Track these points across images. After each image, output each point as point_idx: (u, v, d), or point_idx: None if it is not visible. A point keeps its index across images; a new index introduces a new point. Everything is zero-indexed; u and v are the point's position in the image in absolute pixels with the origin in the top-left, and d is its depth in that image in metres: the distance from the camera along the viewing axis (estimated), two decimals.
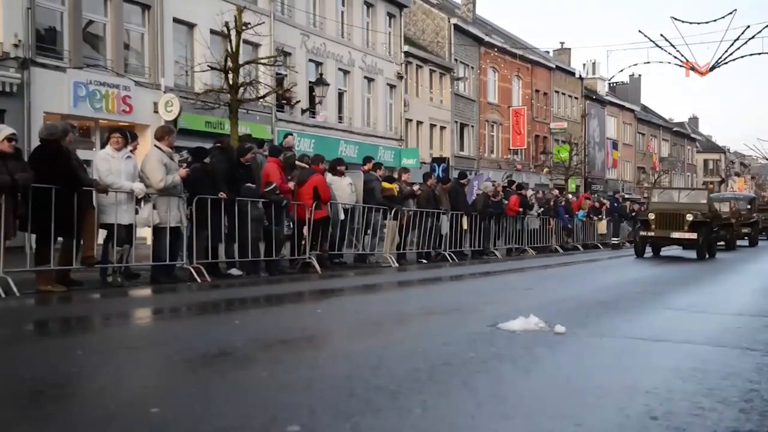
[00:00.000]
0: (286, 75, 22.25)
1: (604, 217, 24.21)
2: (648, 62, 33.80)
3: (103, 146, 9.20)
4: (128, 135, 8.84)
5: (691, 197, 18.09)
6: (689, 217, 15.87)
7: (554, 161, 38.78)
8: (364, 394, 3.17)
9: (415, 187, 14.08)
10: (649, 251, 17.79)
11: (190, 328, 5.49)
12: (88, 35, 17.36)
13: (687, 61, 23.18)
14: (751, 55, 24.32)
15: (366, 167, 13.46)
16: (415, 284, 9.86)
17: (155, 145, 8.92)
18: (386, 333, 5.19)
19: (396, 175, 14.65)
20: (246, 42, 17.40)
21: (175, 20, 19.12)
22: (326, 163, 12.37)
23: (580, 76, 46.90)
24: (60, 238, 7.70)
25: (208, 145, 10.71)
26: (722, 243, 21.87)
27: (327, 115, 24.85)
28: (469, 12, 38.02)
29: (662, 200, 18.24)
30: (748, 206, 26.04)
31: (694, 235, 15.70)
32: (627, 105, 54.38)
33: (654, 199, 18.80)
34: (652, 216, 16.58)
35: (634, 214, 26.84)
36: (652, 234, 16.45)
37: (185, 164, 9.46)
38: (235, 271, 9.75)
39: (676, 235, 16.11)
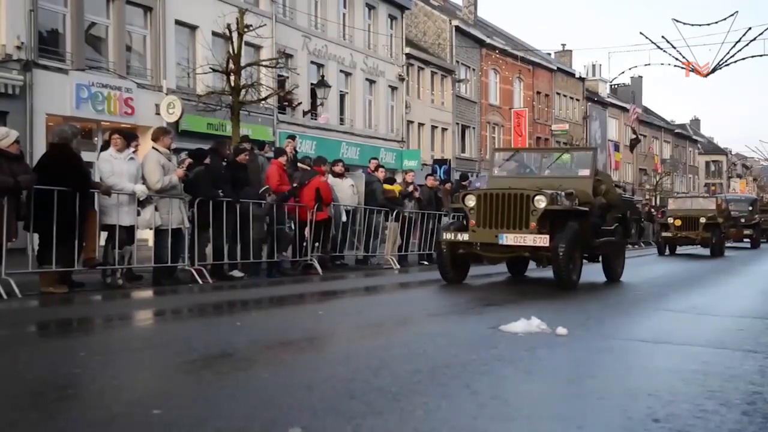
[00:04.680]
0: (287, 77, 22.26)
1: None
2: (648, 64, 33.71)
3: (103, 148, 9.22)
4: (128, 136, 8.85)
5: (560, 168, 9.94)
6: (540, 203, 8.24)
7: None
8: (365, 396, 3.16)
9: (410, 189, 14.04)
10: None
11: (191, 330, 5.49)
12: (90, 37, 17.38)
13: (688, 61, 23.17)
14: (752, 56, 24.30)
15: (370, 167, 13.55)
16: (417, 286, 9.84)
17: (153, 147, 8.93)
18: (388, 335, 5.19)
19: (398, 178, 14.71)
20: (248, 44, 17.42)
21: (177, 22, 19.14)
22: (328, 165, 12.39)
23: (581, 77, 46.90)
24: (62, 240, 7.70)
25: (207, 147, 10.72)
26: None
27: (328, 116, 24.86)
28: (471, 14, 38.03)
29: (509, 173, 10.00)
30: (750, 208, 25.81)
31: (543, 240, 8.04)
32: (629, 107, 54.35)
33: (496, 171, 10.13)
34: (470, 201, 8.64)
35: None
36: (465, 238, 8.60)
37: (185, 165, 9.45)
38: (236, 273, 9.75)
39: (509, 239, 8.22)
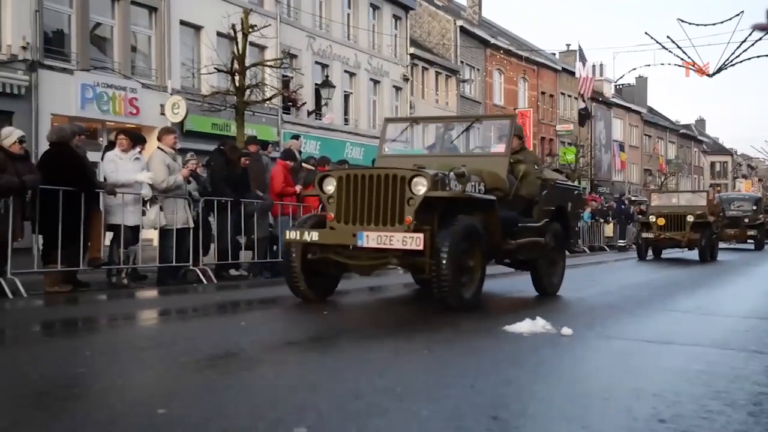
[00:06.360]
0: (292, 77, 22.29)
1: (610, 219, 24.18)
2: (648, 65, 33.71)
3: (107, 148, 9.26)
4: (135, 137, 8.90)
5: (470, 144, 8.00)
6: (419, 188, 6.00)
7: (560, 163, 38.70)
8: (370, 396, 3.16)
9: None
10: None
11: (196, 330, 5.50)
12: (95, 37, 17.43)
13: (689, 61, 23.02)
14: (758, 56, 24.19)
15: None
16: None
17: (158, 146, 8.97)
18: (392, 335, 5.18)
19: None
20: (252, 44, 17.44)
21: (182, 23, 19.18)
22: (332, 165, 12.41)
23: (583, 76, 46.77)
24: (67, 239, 7.73)
25: (213, 147, 10.74)
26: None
27: (333, 117, 24.88)
28: (475, 14, 38.01)
29: (403, 151, 8.33)
30: (754, 207, 24.97)
31: (414, 240, 5.77)
32: (633, 107, 54.27)
33: (386, 148, 8.04)
34: (329, 186, 6.36)
35: (640, 216, 26.73)
36: (315, 238, 6.28)
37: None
38: (233, 271, 9.75)
39: (371, 239, 5.93)
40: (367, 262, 6.36)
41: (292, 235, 6.40)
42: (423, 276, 6.42)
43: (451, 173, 6.20)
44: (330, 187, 6.31)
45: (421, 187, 5.94)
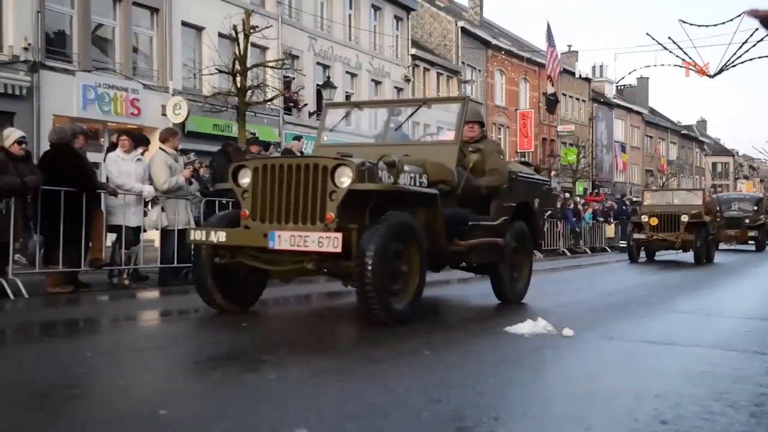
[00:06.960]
0: (293, 78, 22.31)
1: (611, 220, 24.17)
2: (648, 66, 33.68)
3: (109, 149, 9.28)
4: (138, 138, 8.91)
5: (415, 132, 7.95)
6: (343, 180, 5.14)
7: (562, 164, 38.69)
8: (371, 397, 3.16)
9: None
10: None
11: (197, 330, 5.50)
12: (96, 39, 17.46)
13: (690, 61, 22.93)
14: (760, 57, 24.15)
15: None
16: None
17: (160, 147, 8.98)
18: (394, 336, 5.17)
19: None
20: (254, 45, 17.46)
21: (184, 24, 19.21)
22: None
23: (587, 78, 46.80)
24: (68, 240, 7.74)
25: (214, 148, 10.76)
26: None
27: None
28: (476, 15, 38.03)
29: (344, 141, 7.54)
30: (755, 207, 24.31)
31: (331, 240, 4.86)
32: (635, 108, 54.25)
33: (325, 137, 7.28)
34: (244, 178, 5.54)
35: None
36: (222, 239, 5.35)
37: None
38: None
39: (283, 240, 5.02)
40: (288, 267, 5.37)
41: (197, 235, 5.43)
42: (351, 284, 5.27)
43: (381, 162, 5.28)
44: (245, 179, 5.45)
45: (345, 178, 5.07)
